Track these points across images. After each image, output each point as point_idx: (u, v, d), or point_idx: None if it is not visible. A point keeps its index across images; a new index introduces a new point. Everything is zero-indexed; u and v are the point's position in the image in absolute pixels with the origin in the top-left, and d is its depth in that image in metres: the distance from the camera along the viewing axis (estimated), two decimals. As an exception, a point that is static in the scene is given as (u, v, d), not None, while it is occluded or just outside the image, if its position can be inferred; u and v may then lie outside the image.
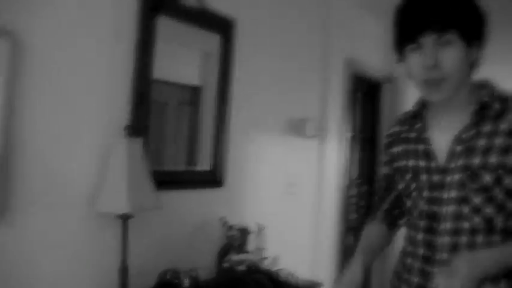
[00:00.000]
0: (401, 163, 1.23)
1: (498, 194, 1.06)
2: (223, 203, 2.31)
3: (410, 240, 1.21)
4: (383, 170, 1.35)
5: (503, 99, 1.10)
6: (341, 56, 3.24)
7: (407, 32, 1.06)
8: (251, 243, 2.24)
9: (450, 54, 1.04)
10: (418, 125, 1.20)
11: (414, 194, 1.18)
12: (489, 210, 1.07)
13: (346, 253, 3.37)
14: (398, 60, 1.15)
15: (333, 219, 3.26)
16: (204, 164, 2.24)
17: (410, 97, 1.81)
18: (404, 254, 1.24)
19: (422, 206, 1.16)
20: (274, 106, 2.69)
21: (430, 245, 1.14)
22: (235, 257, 2.07)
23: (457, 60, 1.04)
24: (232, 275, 2.00)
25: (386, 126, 2.26)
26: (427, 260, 1.14)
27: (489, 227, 1.08)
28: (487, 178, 1.06)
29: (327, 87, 3.12)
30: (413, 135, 1.21)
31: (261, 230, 2.32)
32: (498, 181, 1.05)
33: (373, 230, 1.34)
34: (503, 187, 1.06)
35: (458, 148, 1.10)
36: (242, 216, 2.36)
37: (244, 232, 2.18)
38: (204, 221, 2.19)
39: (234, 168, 2.35)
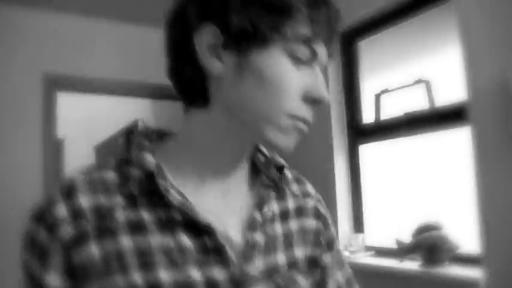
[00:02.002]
0: (125, 279, 0.53)
1: None
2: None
3: None
4: None
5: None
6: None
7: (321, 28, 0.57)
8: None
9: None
10: (168, 196, 0.56)
11: None
12: None
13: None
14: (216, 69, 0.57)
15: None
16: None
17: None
18: None
19: None
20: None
21: None
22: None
23: None
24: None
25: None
26: None
27: None
28: (303, 282, 0.64)
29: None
30: (157, 215, 0.56)
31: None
32: (319, 285, 0.68)
33: None
34: None
35: (259, 238, 0.61)
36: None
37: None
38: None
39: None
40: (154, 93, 2.83)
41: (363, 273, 1.23)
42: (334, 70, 2.25)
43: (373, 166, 2.18)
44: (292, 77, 0.56)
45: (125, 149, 0.62)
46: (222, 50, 0.56)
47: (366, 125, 2.21)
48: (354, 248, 2.02)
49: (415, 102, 1.92)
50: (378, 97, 2.08)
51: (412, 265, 1.73)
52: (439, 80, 1.83)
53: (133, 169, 0.58)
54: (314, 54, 0.57)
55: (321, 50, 0.58)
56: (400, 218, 1.93)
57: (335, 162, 2.20)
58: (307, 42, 0.56)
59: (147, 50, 2.67)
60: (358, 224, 2.18)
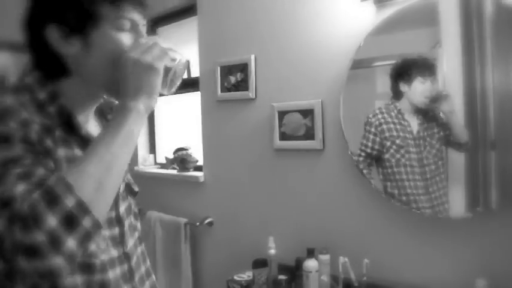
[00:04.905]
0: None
1: None
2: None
3: None
4: None
5: None
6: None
7: None
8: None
9: None
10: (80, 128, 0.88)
11: None
12: None
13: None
14: None
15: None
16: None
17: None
18: None
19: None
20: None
21: None
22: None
23: None
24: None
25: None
26: None
27: None
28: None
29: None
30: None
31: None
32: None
33: None
34: None
35: None
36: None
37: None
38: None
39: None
40: None
41: (152, 178, 2.59)
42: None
43: (165, 113, 3.21)
44: (121, 42, 0.80)
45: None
46: (69, 37, 0.79)
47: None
48: (147, 163, 3.15)
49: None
50: (166, 66, 3.12)
51: (173, 171, 2.85)
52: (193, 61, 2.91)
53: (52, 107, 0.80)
54: (132, 22, 0.83)
55: (136, 16, 0.84)
56: (172, 145, 2.99)
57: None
58: (124, 15, 0.80)
59: None
60: (151, 148, 3.25)
